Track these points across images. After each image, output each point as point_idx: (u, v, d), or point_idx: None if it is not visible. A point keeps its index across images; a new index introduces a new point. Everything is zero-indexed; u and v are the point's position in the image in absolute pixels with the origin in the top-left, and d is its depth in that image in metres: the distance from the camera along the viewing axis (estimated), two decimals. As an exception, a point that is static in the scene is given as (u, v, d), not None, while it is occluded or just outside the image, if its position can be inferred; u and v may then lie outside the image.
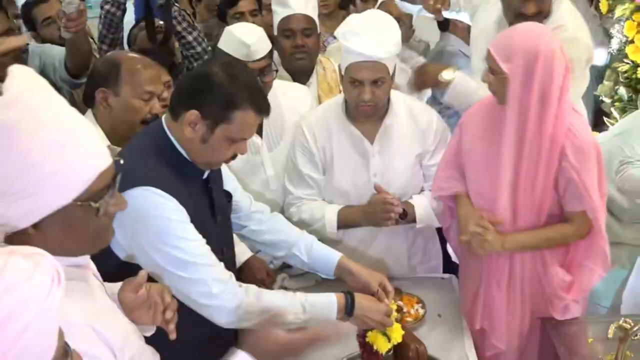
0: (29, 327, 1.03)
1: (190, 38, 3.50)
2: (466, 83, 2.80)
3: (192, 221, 1.97)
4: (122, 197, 1.46)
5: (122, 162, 1.45)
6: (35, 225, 1.31)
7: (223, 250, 2.18)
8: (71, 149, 1.31)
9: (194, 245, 1.95)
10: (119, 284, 1.68)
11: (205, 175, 2.10)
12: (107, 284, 1.63)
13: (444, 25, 3.90)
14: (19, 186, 1.27)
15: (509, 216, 2.41)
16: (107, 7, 3.49)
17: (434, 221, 2.74)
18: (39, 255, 1.10)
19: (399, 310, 2.42)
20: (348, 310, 2.10)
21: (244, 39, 2.60)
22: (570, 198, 2.37)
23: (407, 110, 2.71)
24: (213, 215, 2.15)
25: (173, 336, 1.65)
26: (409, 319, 2.50)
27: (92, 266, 1.56)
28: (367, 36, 2.48)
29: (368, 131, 2.69)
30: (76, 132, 1.34)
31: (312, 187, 2.75)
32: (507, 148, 2.32)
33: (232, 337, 2.28)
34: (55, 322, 1.09)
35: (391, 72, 2.57)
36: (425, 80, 2.96)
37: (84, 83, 2.68)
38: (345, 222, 2.70)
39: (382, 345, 2.08)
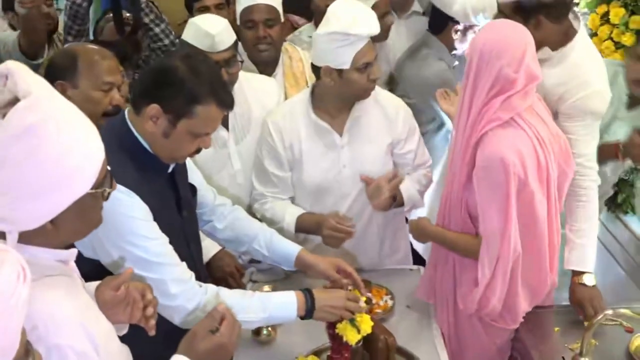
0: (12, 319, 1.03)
1: (157, 30, 3.47)
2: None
3: (157, 216, 1.95)
4: (114, 180, 1.51)
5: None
6: (52, 220, 1.35)
7: (189, 245, 2.17)
8: (86, 142, 1.38)
9: (155, 244, 1.93)
10: (94, 283, 1.67)
11: (170, 169, 2.08)
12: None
13: (438, 26, 3.63)
14: (47, 184, 1.31)
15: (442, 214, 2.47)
16: None
17: (420, 202, 2.83)
18: (3, 252, 1.09)
19: (368, 301, 2.43)
20: (309, 306, 2.09)
21: (208, 30, 2.57)
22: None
23: (375, 101, 2.71)
24: (179, 210, 2.13)
25: (152, 332, 1.66)
26: (378, 310, 2.51)
27: (73, 264, 1.55)
28: (355, 16, 2.49)
29: (336, 124, 2.68)
30: (85, 126, 1.41)
31: (276, 186, 2.74)
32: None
33: None
34: (20, 320, 1.07)
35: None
36: None
37: (39, 68, 2.64)
38: (301, 228, 2.69)
39: (352, 337, 2.08)
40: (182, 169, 2.17)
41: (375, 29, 2.50)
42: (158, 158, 2.00)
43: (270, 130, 2.70)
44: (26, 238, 1.34)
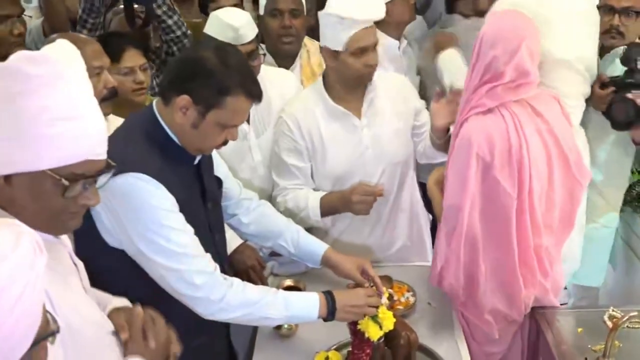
0: (21, 298, 1.03)
1: (170, 22, 3.47)
2: None
3: (182, 207, 1.95)
4: (97, 194, 1.45)
5: (113, 164, 1.46)
6: (6, 178, 1.33)
7: (214, 236, 2.17)
8: (72, 125, 1.33)
9: (180, 234, 1.93)
10: (109, 297, 1.67)
11: (196, 161, 2.08)
12: (96, 290, 1.61)
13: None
14: (14, 133, 1.29)
15: None
16: None
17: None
18: (17, 225, 1.10)
19: (390, 298, 2.42)
20: (330, 308, 2.10)
21: (232, 23, 2.58)
22: None
23: (384, 82, 2.74)
24: (204, 201, 2.13)
25: None
26: (399, 307, 2.50)
27: (68, 244, 1.54)
28: (357, 1, 2.51)
29: (353, 107, 2.70)
30: (86, 115, 1.37)
31: (298, 177, 2.74)
32: None
33: (225, 346, 2.32)
34: (41, 291, 1.08)
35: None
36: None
37: None
38: (327, 208, 2.68)
39: (374, 333, 2.08)
40: (208, 161, 2.17)
41: (375, 15, 2.53)
42: (185, 149, 2.01)
43: (287, 124, 2.71)
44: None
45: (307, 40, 3.20)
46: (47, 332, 1.07)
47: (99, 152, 1.40)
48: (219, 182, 2.25)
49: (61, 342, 1.32)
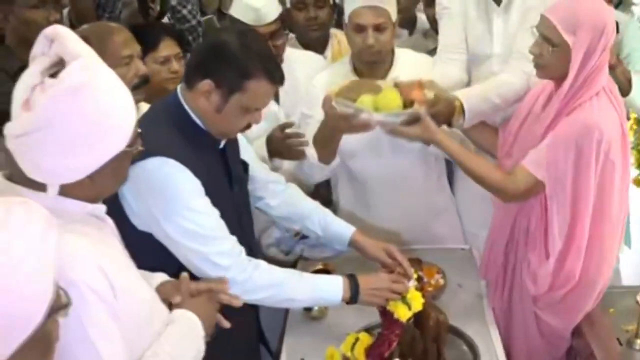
0: (35, 271, 1.06)
1: (184, 12, 3.51)
2: (475, 100, 2.53)
3: (208, 190, 1.97)
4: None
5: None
6: (90, 174, 1.40)
7: (240, 219, 2.19)
8: (125, 102, 1.44)
9: (206, 217, 1.96)
10: (149, 273, 1.76)
11: (221, 145, 2.10)
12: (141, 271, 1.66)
13: None
14: (91, 139, 1.37)
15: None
16: None
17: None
18: (25, 202, 1.13)
19: (420, 279, 2.42)
20: (353, 290, 2.11)
21: (253, 3, 2.63)
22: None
23: (412, 64, 2.71)
24: (230, 185, 2.15)
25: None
26: (429, 288, 2.50)
27: (111, 223, 1.59)
28: None
29: None
30: (123, 87, 1.46)
31: None
32: (545, 119, 2.27)
33: (255, 329, 2.35)
34: (53, 264, 1.11)
35: (393, 19, 2.59)
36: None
37: None
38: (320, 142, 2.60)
39: (403, 314, 2.08)
40: (233, 145, 2.19)
41: None
42: (209, 134, 2.02)
43: (316, 86, 2.72)
44: (62, 190, 1.39)
45: (337, 31, 3.22)
46: (59, 305, 1.10)
47: (135, 110, 1.52)
48: (245, 166, 2.27)
49: (114, 317, 1.40)
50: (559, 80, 2.23)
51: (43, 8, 2.63)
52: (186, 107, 1.99)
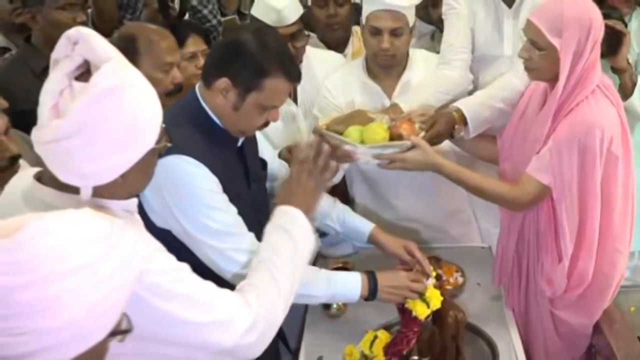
0: (116, 289, 1.06)
1: (205, 12, 3.54)
2: (477, 107, 2.52)
3: (226, 188, 1.98)
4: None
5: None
6: (122, 174, 1.40)
7: (259, 216, 2.20)
8: (153, 101, 1.45)
9: (223, 214, 1.97)
10: None
11: (239, 143, 2.11)
12: None
13: None
14: (124, 140, 1.37)
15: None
16: None
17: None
18: (117, 225, 1.13)
19: (439, 278, 2.43)
20: (372, 287, 2.12)
21: (274, 4, 2.63)
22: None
23: (425, 66, 2.72)
24: (248, 182, 2.16)
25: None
26: (448, 287, 2.50)
27: (139, 218, 1.61)
28: None
29: (386, 87, 2.71)
30: (150, 87, 1.45)
31: None
32: (544, 123, 2.26)
33: None
34: (129, 290, 1.11)
35: (410, 24, 2.59)
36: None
37: None
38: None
39: (422, 311, 2.09)
40: (252, 143, 2.21)
41: (398, 1, 2.51)
42: (227, 132, 2.04)
43: (328, 88, 2.74)
44: (95, 192, 1.40)
45: (358, 29, 3.22)
46: (119, 329, 1.09)
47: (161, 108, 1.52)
48: (263, 164, 2.28)
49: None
50: (552, 81, 2.23)
51: (70, 9, 2.68)
52: (204, 105, 2.00)
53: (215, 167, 1.95)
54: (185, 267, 1.53)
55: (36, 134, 1.35)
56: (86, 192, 1.38)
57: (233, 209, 2.00)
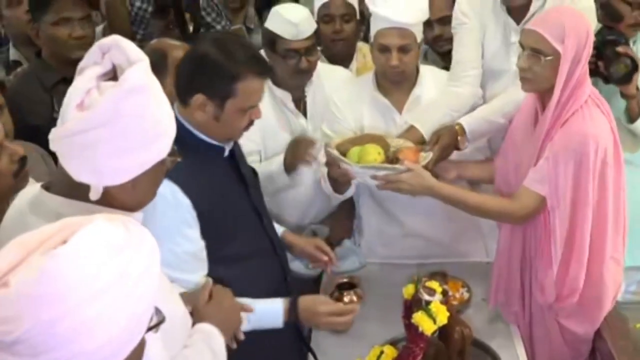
0: (147, 290, 1.08)
1: (219, 28, 3.56)
2: (477, 122, 2.62)
3: (224, 199, 2.00)
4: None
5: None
6: (133, 180, 1.41)
7: (262, 220, 2.22)
8: (171, 110, 1.47)
9: (189, 246, 1.98)
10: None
11: (226, 153, 2.12)
12: None
13: None
14: (143, 141, 1.38)
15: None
16: (137, 3, 3.57)
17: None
18: (132, 221, 1.15)
19: (445, 293, 2.42)
20: (293, 315, 2.11)
21: (291, 18, 2.64)
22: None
23: (435, 81, 2.74)
24: (246, 189, 2.17)
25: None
26: (454, 302, 2.50)
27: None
28: (394, 1, 2.54)
29: (396, 102, 2.72)
30: (166, 98, 1.47)
31: None
32: (539, 136, 2.29)
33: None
34: (156, 283, 1.13)
35: (418, 40, 2.61)
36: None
37: None
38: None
39: (428, 327, 2.08)
40: (239, 152, 2.22)
41: (405, 18, 2.53)
42: (213, 145, 2.05)
43: (336, 102, 2.76)
44: (105, 200, 1.39)
45: (363, 45, 3.24)
46: (153, 323, 1.11)
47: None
48: (253, 171, 2.30)
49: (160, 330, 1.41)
50: (545, 93, 2.27)
51: (65, 25, 2.66)
52: (185, 123, 2.01)
53: (206, 186, 1.97)
54: None
55: (57, 130, 1.36)
56: (96, 191, 1.37)
57: (201, 244, 2.00)
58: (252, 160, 2.53)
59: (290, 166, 2.66)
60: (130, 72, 1.34)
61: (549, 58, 2.19)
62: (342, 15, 3.05)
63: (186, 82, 2.00)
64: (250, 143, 2.55)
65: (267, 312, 2.09)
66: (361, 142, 2.43)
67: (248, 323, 2.01)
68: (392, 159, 2.41)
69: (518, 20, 2.63)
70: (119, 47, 1.38)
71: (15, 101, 2.35)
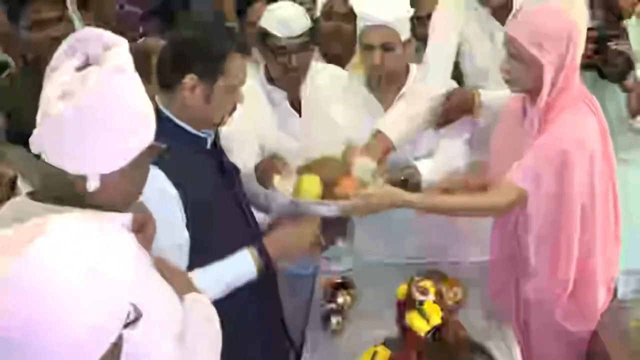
0: (122, 284, 1.06)
1: None
2: (490, 97, 2.66)
3: (209, 188, 2.00)
4: None
5: None
6: (122, 168, 1.39)
7: (246, 214, 2.21)
8: (151, 105, 1.46)
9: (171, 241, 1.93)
10: None
11: (208, 145, 2.10)
12: None
13: None
14: (130, 123, 1.38)
15: None
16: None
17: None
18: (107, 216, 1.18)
19: (440, 294, 2.41)
20: (265, 255, 2.03)
21: (283, 16, 2.64)
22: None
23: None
24: (228, 180, 2.16)
25: None
26: (449, 302, 2.49)
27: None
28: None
29: (385, 98, 2.74)
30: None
31: None
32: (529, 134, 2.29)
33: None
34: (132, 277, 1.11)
35: (403, 38, 2.61)
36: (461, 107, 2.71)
37: None
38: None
39: (421, 327, 2.08)
40: (219, 145, 2.20)
41: (385, 15, 2.54)
42: (197, 136, 2.04)
43: (327, 102, 2.76)
44: (94, 199, 1.38)
45: None
46: (130, 319, 1.08)
47: None
48: (236, 169, 2.29)
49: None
50: (532, 92, 2.26)
51: (40, 27, 2.64)
52: (169, 115, 2.00)
53: (190, 179, 1.95)
54: None
55: (42, 127, 1.34)
56: (94, 183, 1.37)
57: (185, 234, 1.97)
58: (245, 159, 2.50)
59: (263, 185, 2.61)
60: (111, 53, 1.35)
61: (525, 64, 2.19)
62: (343, 15, 3.09)
63: (173, 65, 2.00)
64: (244, 143, 2.55)
65: (235, 262, 2.02)
66: (315, 167, 2.36)
67: (224, 283, 1.96)
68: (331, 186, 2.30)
69: (502, 21, 2.60)
70: (94, 35, 1.37)
71: (6, 106, 2.33)
